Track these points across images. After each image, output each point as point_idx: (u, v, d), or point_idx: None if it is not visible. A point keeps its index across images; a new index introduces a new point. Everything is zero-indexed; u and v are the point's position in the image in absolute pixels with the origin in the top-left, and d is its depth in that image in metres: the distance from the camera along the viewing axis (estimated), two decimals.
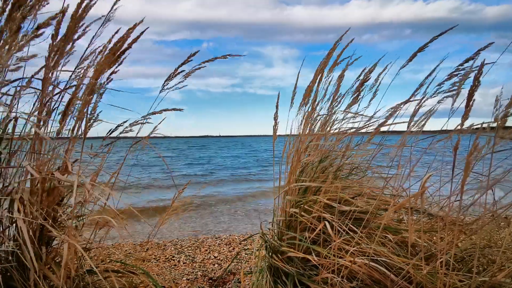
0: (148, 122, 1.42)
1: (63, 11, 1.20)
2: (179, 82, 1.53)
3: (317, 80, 1.90)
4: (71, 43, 1.27)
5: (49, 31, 1.29)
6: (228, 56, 1.58)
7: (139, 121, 1.42)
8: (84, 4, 1.26)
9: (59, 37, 1.27)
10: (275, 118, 1.81)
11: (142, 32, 1.35)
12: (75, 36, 1.30)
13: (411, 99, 1.64)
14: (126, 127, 1.41)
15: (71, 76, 1.36)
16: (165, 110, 1.42)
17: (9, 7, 1.10)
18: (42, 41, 1.30)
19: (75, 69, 1.39)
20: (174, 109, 1.44)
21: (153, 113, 1.41)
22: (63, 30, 1.31)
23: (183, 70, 1.48)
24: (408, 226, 1.60)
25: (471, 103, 1.05)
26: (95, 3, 1.26)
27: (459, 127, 1.11)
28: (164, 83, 1.46)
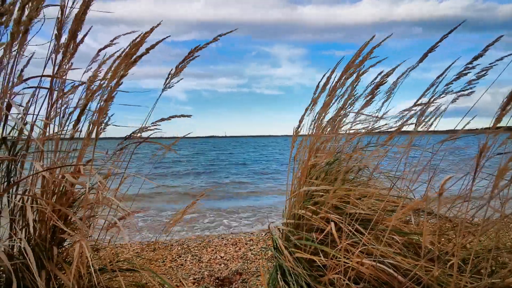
0: (157, 129, 1.43)
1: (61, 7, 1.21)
2: (174, 77, 1.53)
3: (337, 84, 1.90)
4: (74, 44, 1.28)
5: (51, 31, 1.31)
6: (218, 38, 1.53)
7: (149, 127, 1.43)
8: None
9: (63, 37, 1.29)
10: (301, 121, 1.82)
11: (162, 40, 1.37)
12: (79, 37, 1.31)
13: (422, 101, 1.63)
14: (135, 132, 1.43)
15: (90, 78, 1.38)
16: (173, 116, 1.43)
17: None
18: (46, 42, 1.32)
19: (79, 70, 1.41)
20: (182, 116, 1.45)
21: (162, 120, 1.42)
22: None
23: (184, 66, 1.48)
24: (415, 228, 1.59)
25: (508, 107, 0.99)
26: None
27: (466, 129, 1.09)
28: (165, 82, 1.45)
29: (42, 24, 1.23)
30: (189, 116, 1.47)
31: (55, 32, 1.29)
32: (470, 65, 1.48)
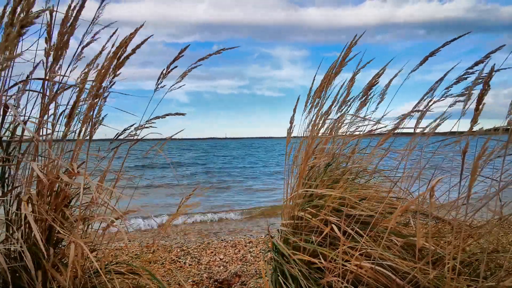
0: (152, 126, 1.43)
1: (50, 10, 1.22)
2: (176, 83, 1.53)
3: (326, 84, 1.90)
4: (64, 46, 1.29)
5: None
6: (221, 51, 1.55)
7: (144, 125, 1.43)
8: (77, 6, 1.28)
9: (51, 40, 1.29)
10: (291, 122, 1.82)
11: (147, 38, 1.38)
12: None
13: (420, 103, 1.63)
14: (132, 131, 1.42)
15: (78, 78, 1.38)
16: (168, 114, 1.43)
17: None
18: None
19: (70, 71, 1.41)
20: (177, 114, 1.44)
21: (157, 118, 1.42)
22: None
23: (176, 67, 1.49)
24: (414, 230, 1.58)
25: (480, 106, 1.02)
26: (104, 6, 1.28)
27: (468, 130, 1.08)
28: (157, 81, 1.46)
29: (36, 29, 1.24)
30: (183, 114, 1.46)
31: (46, 35, 1.29)
32: (470, 70, 1.49)
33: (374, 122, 1.95)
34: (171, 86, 1.51)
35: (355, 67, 2.02)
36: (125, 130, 1.41)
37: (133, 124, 1.42)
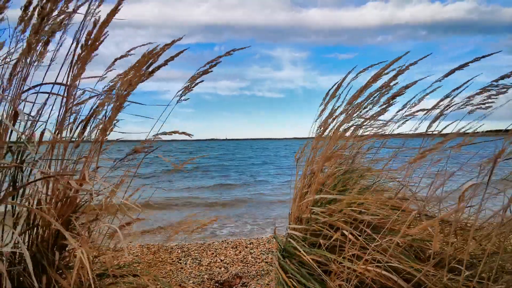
0: (159, 140, 1.43)
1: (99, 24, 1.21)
2: (189, 88, 1.53)
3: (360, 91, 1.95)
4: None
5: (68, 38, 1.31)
6: (232, 52, 1.55)
7: (152, 140, 1.42)
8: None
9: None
10: (326, 127, 1.85)
11: (179, 53, 1.38)
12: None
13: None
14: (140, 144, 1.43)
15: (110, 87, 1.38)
16: (175, 132, 1.41)
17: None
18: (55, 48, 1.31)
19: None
20: (183, 133, 1.42)
21: (164, 133, 1.41)
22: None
23: (202, 81, 1.50)
24: (420, 232, 1.58)
25: None
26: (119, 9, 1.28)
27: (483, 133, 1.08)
28: (182, 94, 1.47)
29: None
30: (190, 135, 1.44)
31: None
32: (495, 83, 1.49)
33: (394, 124, 1.98)
34: (183, 96, 1.50)
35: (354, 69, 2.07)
36: (141, 141, 1.42)
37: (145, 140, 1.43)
